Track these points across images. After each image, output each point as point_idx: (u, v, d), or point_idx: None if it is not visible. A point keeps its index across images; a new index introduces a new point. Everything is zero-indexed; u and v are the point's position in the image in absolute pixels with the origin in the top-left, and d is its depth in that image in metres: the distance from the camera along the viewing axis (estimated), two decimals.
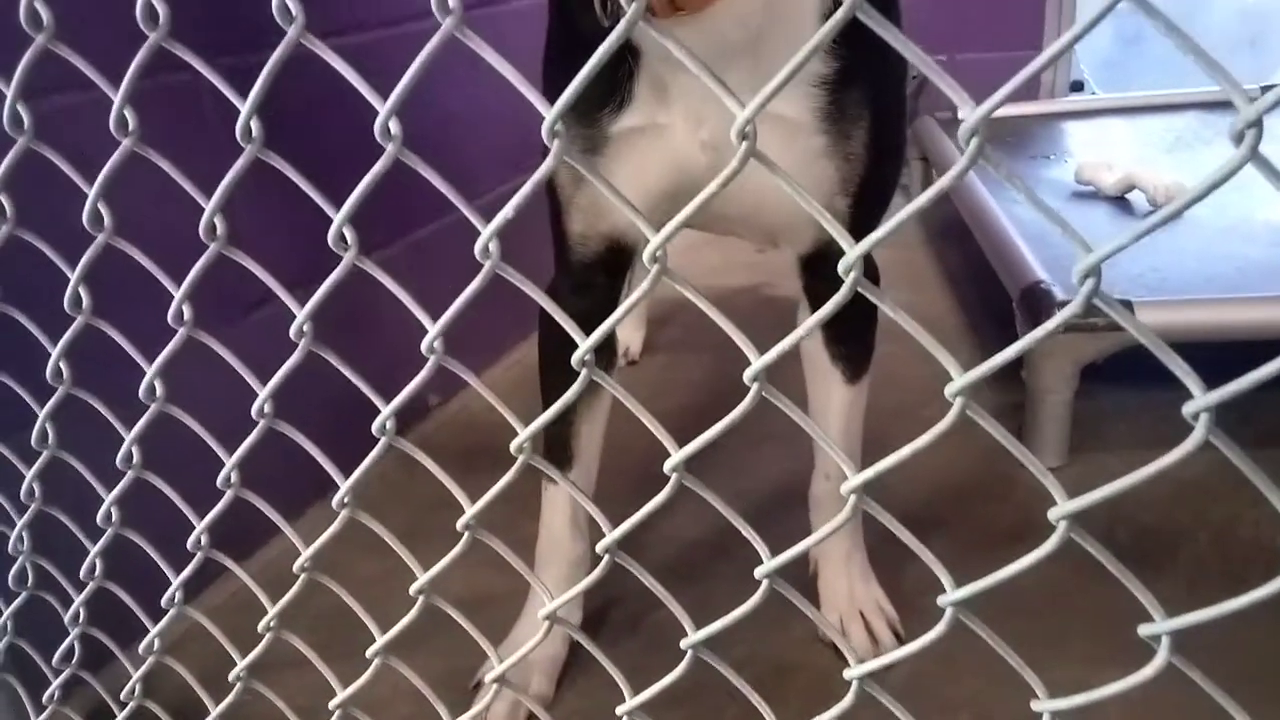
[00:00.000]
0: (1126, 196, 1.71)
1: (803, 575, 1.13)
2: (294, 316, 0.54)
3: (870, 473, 0.43)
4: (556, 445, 1.02)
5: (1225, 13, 2.89)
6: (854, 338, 1.00)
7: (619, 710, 0.54)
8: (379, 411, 0.54)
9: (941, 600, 0.44)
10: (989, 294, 1.68)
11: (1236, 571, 1.10)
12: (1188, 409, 0.35)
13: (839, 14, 0.32)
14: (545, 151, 0.42)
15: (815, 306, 0.98)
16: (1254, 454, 0.34)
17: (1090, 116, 2.29)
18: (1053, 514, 0.40)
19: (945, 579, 0.44)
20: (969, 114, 0.34)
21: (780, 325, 0.92)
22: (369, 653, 0.61)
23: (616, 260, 0.92)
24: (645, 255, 0.42)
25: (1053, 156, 2.02)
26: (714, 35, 0.71)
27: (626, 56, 0.79)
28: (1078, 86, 2.59)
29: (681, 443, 0.47)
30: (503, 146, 1.66)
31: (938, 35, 2.38)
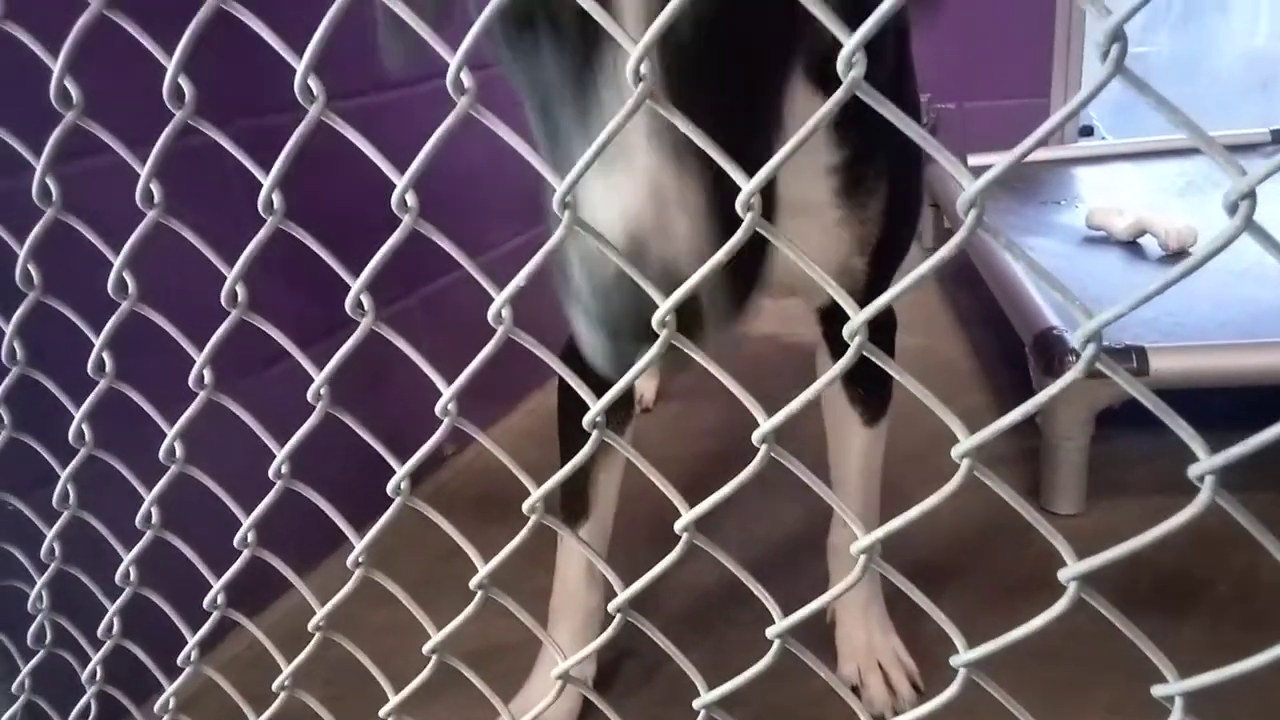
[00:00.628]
0: (1138, 241, 1.71)
1: (820, 625, 1.12)
2: (302, 376, 0.55)
3: (880, 533, 0.43)
4: (572, 497, 1.02)
5: (1234, 58, 2.91)
6: (872, 381, 1.01)
7: None
8: (383, 475, 0.55)
9: (954, 661, 0.44)
10: (1002, 337, 1.68)
11: (1257, 617, 1.09)
12: (1193, 471, 0.36)
13: (838, 95, 0.34)
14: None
15: (834, 353, 0.99)
16: None
17: (1100, 161, 2.30)
18: (1063, 575, 0.40)
19: (958, 639, 0.44)
20: (967, 186, 0.35)
21: (798, 371, 0.92)
22: (382, 713, 0.62)
23: None
24: (654, 320, 0.43)
25: (1063, 202, 2.03)
26: None
27: None
28: (1087, 131, 2.61)
29: (695, 494, 0.47)
30: (520, 198, 1.69)
31: (947, 83, 2.41)
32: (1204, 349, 1.26)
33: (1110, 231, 1.74)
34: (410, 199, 0.46)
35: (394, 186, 0.46)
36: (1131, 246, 1.71)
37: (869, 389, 1.01)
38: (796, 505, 1.33)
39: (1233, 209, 0.32)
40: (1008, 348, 1.61)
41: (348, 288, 0.50)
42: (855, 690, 1.07)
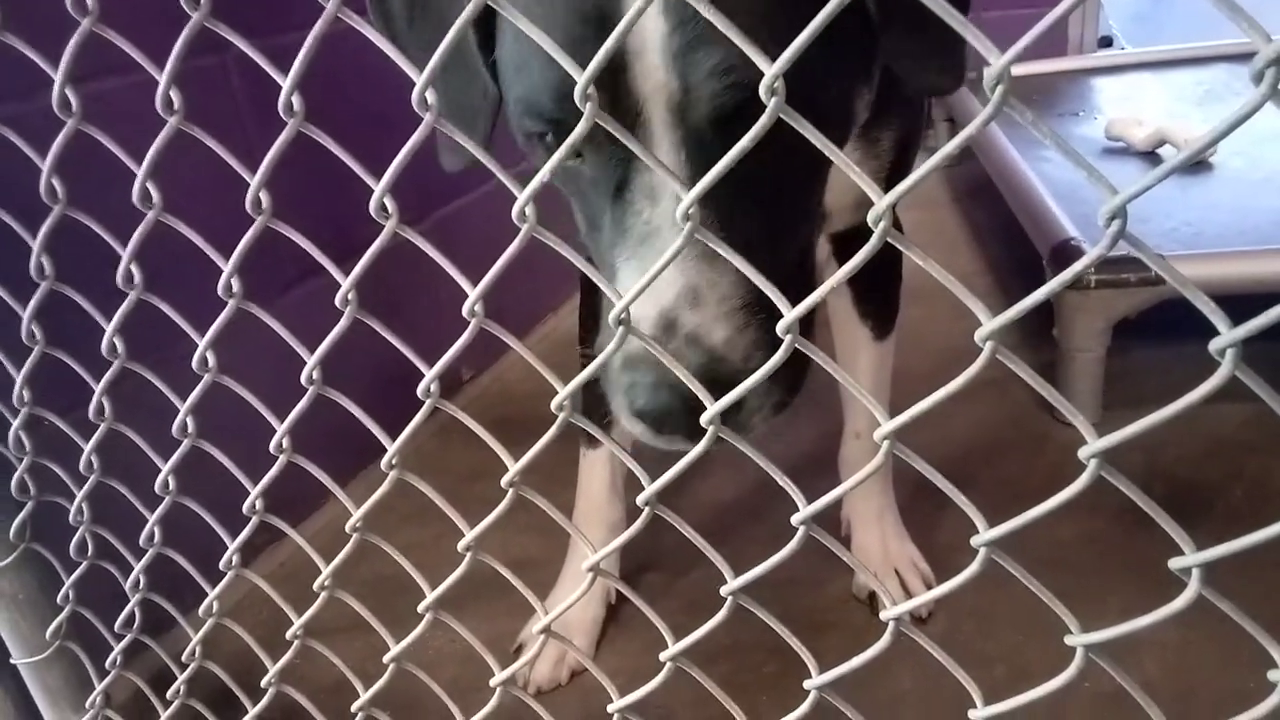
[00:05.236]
0: (1158, 151, 1.69)
1: (835, 537, 1.14)
2: (326, 296, 0.56)
3: (904, 417, 0.44)
4: (598, 411, 1.05)
5: None
6: (881, 294, 1.02)
7: (662, 656, 0.56)
8: (409, 389, 0.56)
9: (975, 540, 0.45)
10: (1018, 253, 1.67)
11: (1271, 519, 1.11)
12: (1214, 345, 0.36)
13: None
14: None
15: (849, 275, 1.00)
16: None
17: (1119, 72, 2.26)
18: (1083, 452, 0.41)
19: (979, 520, 0.45)
20: (993, 62, 0.35)
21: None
22: (421, 607, 0.64)
23: None
24: (678, 212, 0.44)
25: (1082, 113, 1.99)
26: None
27: None
28: (1106, 42, 2.55)
29: None
30: None
31: None
32: (1224, 256, 1.26)
33: (1129, 142, 1.71)
34: (430, 96, 0.46)
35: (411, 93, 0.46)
36: (1150, 157, 1.69)
37: (878, 302, 1.03)
38: (808, 425, 1.34)
39: (1259, 77, 0.32)
40: (1024, 262, 1.61)
41: (362, 214, 0.51)
42: (871, 599, 1.09)
